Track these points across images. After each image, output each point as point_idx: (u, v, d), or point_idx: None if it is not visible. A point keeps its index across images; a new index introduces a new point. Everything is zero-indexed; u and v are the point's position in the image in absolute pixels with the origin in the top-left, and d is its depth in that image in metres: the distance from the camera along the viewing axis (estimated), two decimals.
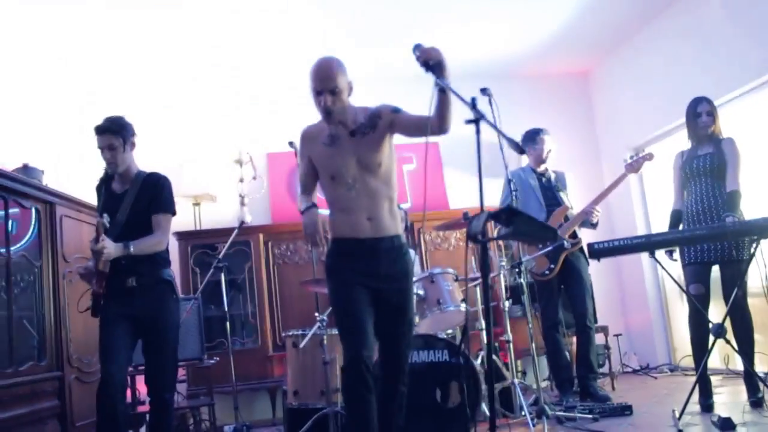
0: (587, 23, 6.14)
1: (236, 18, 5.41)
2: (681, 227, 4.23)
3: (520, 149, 2.28)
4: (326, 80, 2.84)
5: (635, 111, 6.58)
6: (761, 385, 3.86)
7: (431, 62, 2.60)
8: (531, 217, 2.74)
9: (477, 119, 2.36)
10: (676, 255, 4.23)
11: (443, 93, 2.62)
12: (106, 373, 3.21)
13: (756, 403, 3.89)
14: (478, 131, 2.36)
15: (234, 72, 6.49)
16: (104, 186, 3.55)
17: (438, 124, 2.71)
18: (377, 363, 2.86)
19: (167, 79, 6.49)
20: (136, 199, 3.44)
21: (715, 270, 4.12)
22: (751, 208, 4.25)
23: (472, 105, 2.42)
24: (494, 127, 2.39)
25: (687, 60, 5.76)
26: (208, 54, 6.02)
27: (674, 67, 5.93)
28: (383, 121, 2.91)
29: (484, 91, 4.15)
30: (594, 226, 4.83)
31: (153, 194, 3.45)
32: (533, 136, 5.00)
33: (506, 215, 2.46)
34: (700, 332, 4.04)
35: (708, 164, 4.15)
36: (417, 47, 2.66)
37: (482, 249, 2.30)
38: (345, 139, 2.91)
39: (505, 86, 6.58)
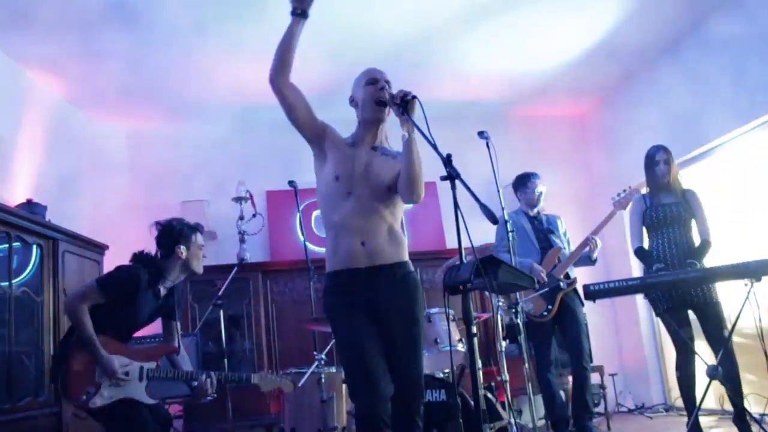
0: (584, 68, 6.28)
1: (236, 58, 5.53)
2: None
3: (494, 218, 2.25)
4: (383, 73, 2.87)
5: (631, 154, 6.67)
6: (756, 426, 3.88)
7: (409, 96, 2.57)
8: (511, 266, 2.67)
9: (451, 176, 2.34)
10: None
11: (408, 146, 2.58)
12: None
13: None
14: (453, 187, 2.34)
15: (233, 109, 6.60)
16: (149, 282, 3.45)
17: (405, 189, 2.68)
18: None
19: (168, 116, 6.60)
20: (168, 303, 3.60)
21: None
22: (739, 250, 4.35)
23: (447, 161, 2.36)
24: (468, 189, 2.29)
25: (682, 105, 5.88)
26: (208, 91, 6.14)
27: (669, 112, 6.06)
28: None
29: (481, 134, 4.25)
30: (593, 262, 4.87)
31: (174, 300, 3.62)
32: (524, 181, 5.06)
33: (490, 264, 2.38)
34: (688, 376, 4.13)
35: (677, 213, 4.32)
36: (390, 95, 2.68)
37: (464, 298, 2.30)
38: (365, 148, 2.85)
39: (503, 128, 6.74)
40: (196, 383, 3.51)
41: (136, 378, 3.29)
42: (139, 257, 3.48)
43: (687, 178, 5.51)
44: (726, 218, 5.43)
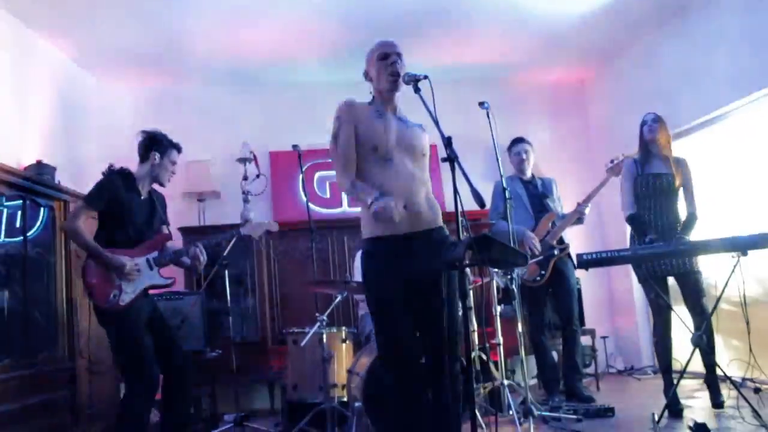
0: (585, 34, 6.30)
1: (242, 19, 5.56)
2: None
3: (481, 202, 2.33)
4: (394, 46, 2.94)
5: (629, 121, 6.72)
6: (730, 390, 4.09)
7: (420, 77, 2.75)
8: (504, 243, 2.74)
9: (451, 159, 2.46)
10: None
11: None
12: None
13: (718, 405, 4.23)
14: (453, 169, 2.47)
15: (238, 71, 6.64)
16: (125, 186, 3.76)
17: None
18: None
19: (173, 78, 6.66)
20: (156, 206, 3.88)
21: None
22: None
23: (447, 143, 2.49)
24: (464, 173, 2.44)
25: (679, 74, 5.93)
26: (214, 53, 6.18)
27: (667, 80, 6.11)
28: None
29: (482, 104, 4.33)
30: (581, 221, 5.07)
31: (163, 208, 3.99)
32: (510, 146, 5.20)
33: (483, 243, 2.48)
34: (666, 341, 4.37)
35: (665, 184, 4.40)
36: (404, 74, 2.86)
37: (461, 275, 2.42)
38: (391, 117, 2.95)
39: (503, 92, 6.80)
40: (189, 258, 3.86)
41: (146, 268, 3.69)
42: (109, 169, 3.82)
43: (686, 147, 5.60)
44: (723, 189, 5.52)
